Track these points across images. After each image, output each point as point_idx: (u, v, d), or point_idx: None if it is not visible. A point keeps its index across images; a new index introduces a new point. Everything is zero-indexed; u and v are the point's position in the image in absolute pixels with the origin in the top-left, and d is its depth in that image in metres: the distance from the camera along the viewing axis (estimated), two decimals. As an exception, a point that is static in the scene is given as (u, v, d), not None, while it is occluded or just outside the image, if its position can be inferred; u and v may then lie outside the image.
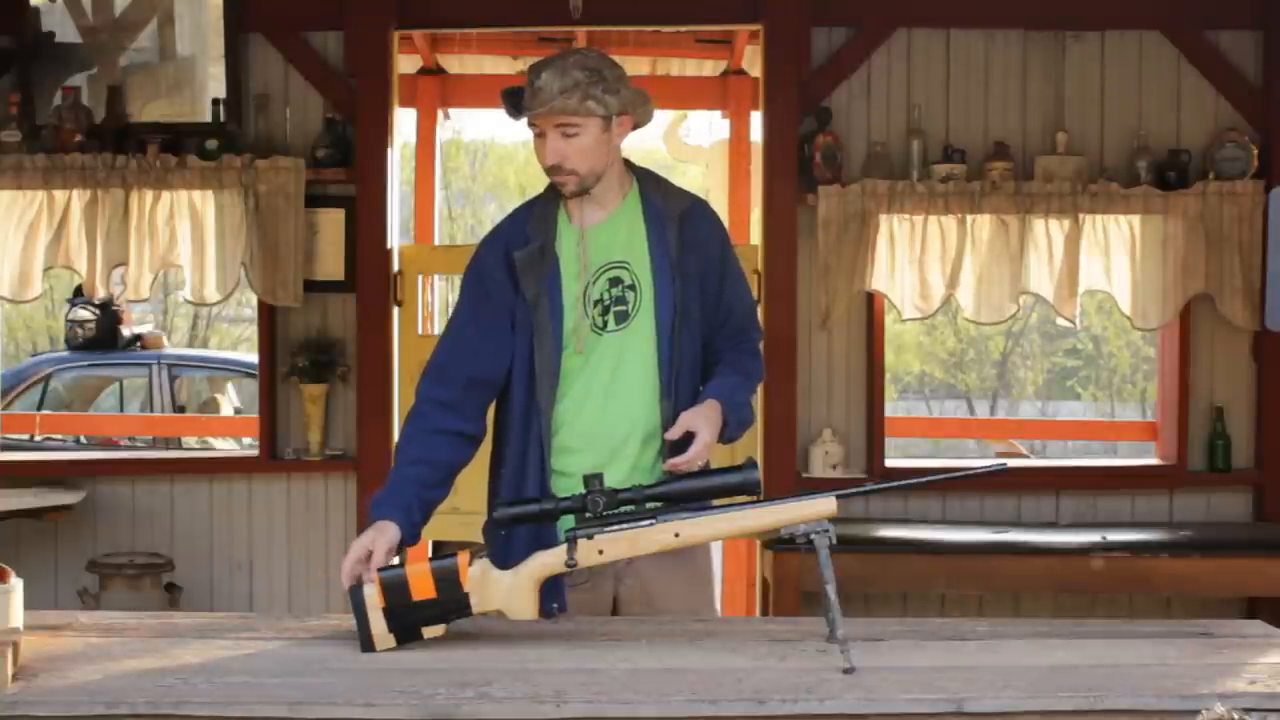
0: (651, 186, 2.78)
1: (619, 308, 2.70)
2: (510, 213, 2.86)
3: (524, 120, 2.68)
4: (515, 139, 19.18)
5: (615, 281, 2.71)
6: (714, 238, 2.79)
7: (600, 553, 2.38)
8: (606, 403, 2.68)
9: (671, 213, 2.74)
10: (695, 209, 2.79)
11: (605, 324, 2.70)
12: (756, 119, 6.00)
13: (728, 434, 2.70)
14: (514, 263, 2.69)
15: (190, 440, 8.49)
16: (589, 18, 4.82)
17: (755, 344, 2.85)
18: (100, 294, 5.20)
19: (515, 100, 2.68)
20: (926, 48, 5.15)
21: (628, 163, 2.80)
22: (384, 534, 2.48)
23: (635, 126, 2.76)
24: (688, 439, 2.59)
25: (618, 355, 2.70)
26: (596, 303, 2.70)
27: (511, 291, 2.70)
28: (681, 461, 2.56)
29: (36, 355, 11.50)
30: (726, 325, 2.79)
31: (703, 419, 2.61)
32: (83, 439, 8.33)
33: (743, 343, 2.82)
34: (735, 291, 2.81)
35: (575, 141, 2.65)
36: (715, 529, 2.40)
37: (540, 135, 2.67)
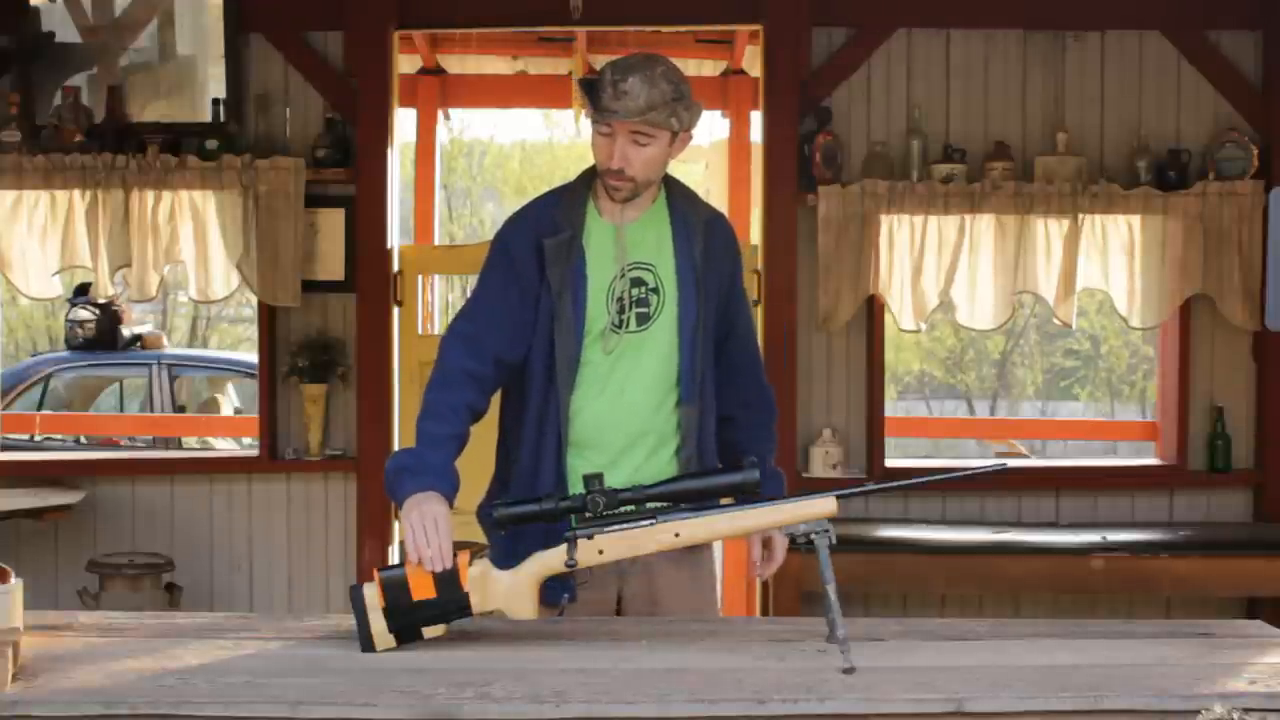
0: (679, 195, 2.77)
1: (640, 309, 2.69)
2: (537, 198, 2.84)
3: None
4: (514, 139, 19.19)
5: (638, 282, 2.70)
6: (728, 253, 2.80)
7: (600, 553, 2.38)
8: (619, 402, 2.68)
9: (697, 223, 2.74)
10: (716, 222, 2.80)
11: (625, 323, 2.69)
12: (756, 119, 6.00)
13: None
14: (544, 249, 2.67)
15: (190, 440, 8.49)
16: (589, 18, 4.82)
17: (767, 387, 2.88)
18: (109, 293, 5.23)
19: (595, 96, 2.61)
20: (926, 48, 5.15)
21: None
22: (444, 506, 2.43)
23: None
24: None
25: (635, 356, 2.69)
26: (617, 300, 2.69)
27: (538, 278, 2.67)
28: (770, 568, 2.78)
29: (36, 355, 11.51)
30: (730, 339, 2.79)
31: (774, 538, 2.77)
32: (83, 439, 8.33)
33: (760, 400, 2.85)
34: (739, 306, 2.82)
35: (645, 151, 2.62)
36: (715, 529, 2.40)
37: (606, 135, 2.63)
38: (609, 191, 2.68)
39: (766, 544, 2.77)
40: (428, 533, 2.36)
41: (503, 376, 2.68)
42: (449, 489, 2.46)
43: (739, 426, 2.82)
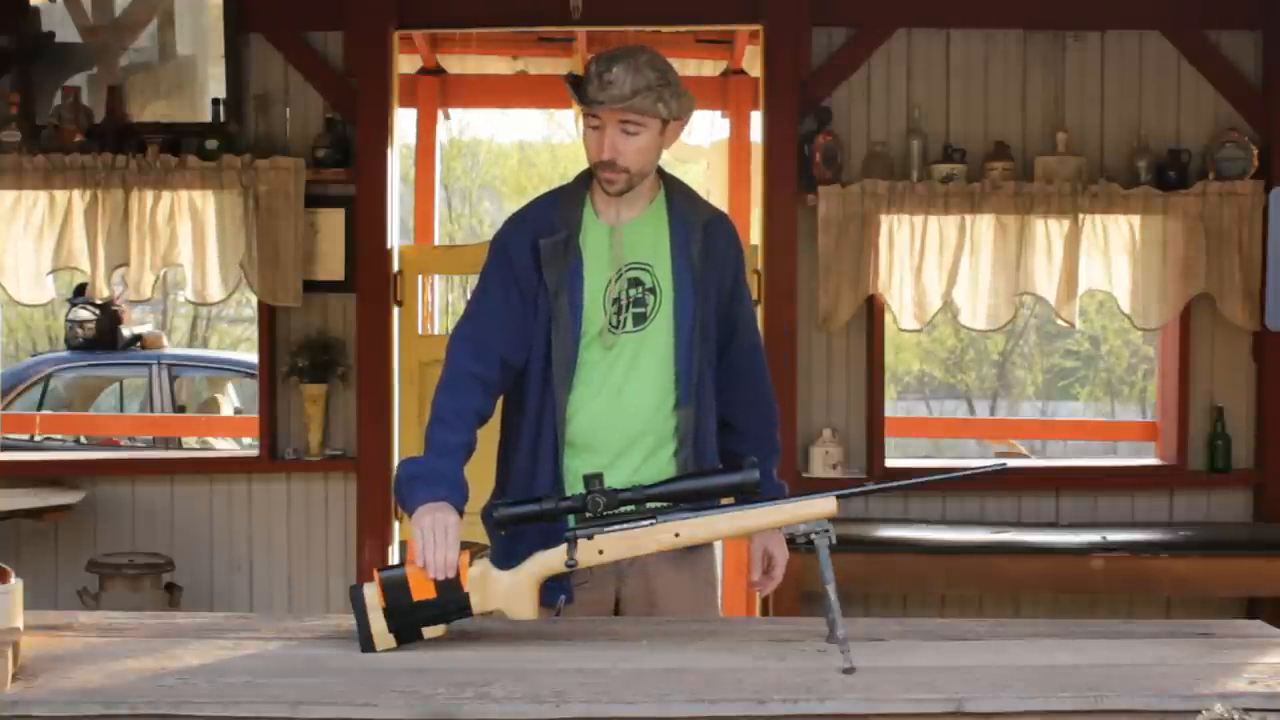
0: (679, 194, 2.76)
1: (637, 309, 2.68)
2: (536, 198, 2.83)
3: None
4: (514, 139, 19.18)
5: (635, 283, 2.69)
6: (730, 253, 2.78)
7: (600, 553, 2.38)
8: (616, 403, 2.67)
9: (696, 223, 2.73)
10: (717, 222, 2.79)
11: (622, 324, 2.68)
12: (756, 119, 6.00)
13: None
14: (540, 250, 2.67)
15: (190, 440, 8.49)
16: (589, 18, 4.81)
17: (770, 388, 2.86)
18: (105, 294, 5.22)
19: (581, 88, 2.62)
20: (926, 48, 5.15)
21: (657, 168, 2.79)
22: (456, 517, 2.44)
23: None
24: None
25: (632, 357, 2.68)
26: (614, 301, 2.68)
27: (536, 279, 2.67)
28: (770, 585, 2.76)
29: (36, 355, 11.51)
30: (734, 339, 2.79)
31: (775, 544, 2.75)
32: (83, 439, 8.33)
33: (760, 405, 2.84)
34: (740, 308, 2.81)
35: (634, 140, 2.62)
36: (715, 529, 2.41)
37: (596, 128, 2.63)
38: (604, 185, 2.67)
39: (768, 561, 2.77)
40: (437, 541, 2.37)
41: (508, 378, 2.68)
42: (460, 499, 2.48)
43: (740, 437, 2.81)
